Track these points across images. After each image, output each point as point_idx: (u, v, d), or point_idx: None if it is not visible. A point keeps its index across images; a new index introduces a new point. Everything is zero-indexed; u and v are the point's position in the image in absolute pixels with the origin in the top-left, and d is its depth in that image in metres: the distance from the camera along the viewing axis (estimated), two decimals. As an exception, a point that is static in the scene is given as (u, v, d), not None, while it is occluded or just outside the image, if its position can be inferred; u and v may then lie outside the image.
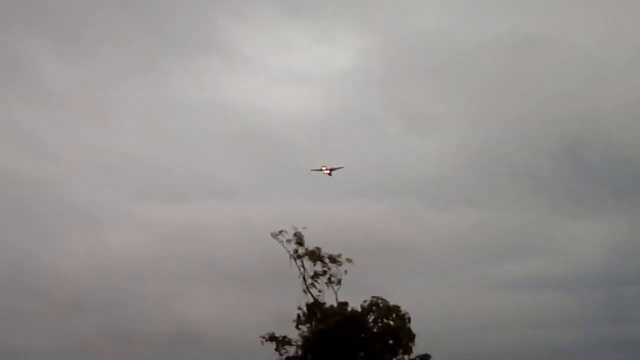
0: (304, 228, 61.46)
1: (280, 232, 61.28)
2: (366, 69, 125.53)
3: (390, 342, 59.38)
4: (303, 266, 61.26)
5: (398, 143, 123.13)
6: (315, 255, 61.18)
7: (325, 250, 61.47)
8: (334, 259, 61.12)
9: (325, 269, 61.05)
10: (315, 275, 61.10)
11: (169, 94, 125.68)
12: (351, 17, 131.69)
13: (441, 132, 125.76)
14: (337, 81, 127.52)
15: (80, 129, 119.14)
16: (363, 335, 59.50)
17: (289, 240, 61.37)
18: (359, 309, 60.42)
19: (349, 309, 60.56)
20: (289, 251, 61.29)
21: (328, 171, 79.61)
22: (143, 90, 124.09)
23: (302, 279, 61.03)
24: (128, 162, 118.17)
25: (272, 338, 59.97)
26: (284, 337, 60.11)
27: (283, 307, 62.22)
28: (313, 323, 60.19)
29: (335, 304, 60.73)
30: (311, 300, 60.86)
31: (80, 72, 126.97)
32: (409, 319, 59.97)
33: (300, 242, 61.40)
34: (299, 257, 61.36)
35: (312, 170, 79.43)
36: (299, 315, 60.45)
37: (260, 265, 79.70)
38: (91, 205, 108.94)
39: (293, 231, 61.39)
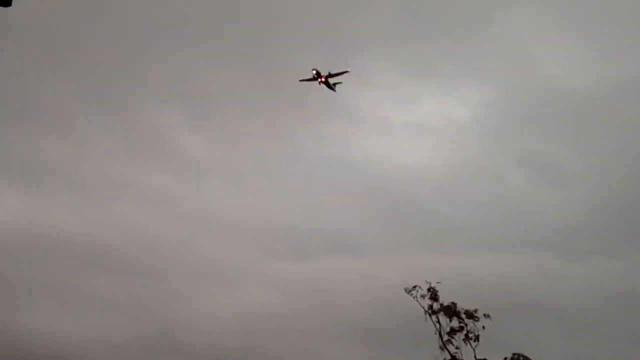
0: (438, 283, 61.28)
1: (414, 287, 60.96)
2: (487, 122, 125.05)
3: (535, 400, 57.55)
4: (439, 322, 60.61)
5: (524, 194, 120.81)
6: (451, 311, 60.45)
7: (461, 306, 60.85)
8: (470, 314, 60.12)
9: (461, 324, 60.13)
10: (452, 332, 60.22)
11: (295, 153, 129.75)
12: (469, 71, 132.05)
13: (570, 182, 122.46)
14: (458, 134, 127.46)
15: (214, 192, 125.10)
16: (506, 393, 58.13)
17: (422, 296, 61.01)
18: (500, 366, 59.21)
19: (489, 366, 59.46)
20: (423, 307, 60.95)
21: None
22: (270, 151, 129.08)
23: (438, 335, 60.32)
24: (258, 221, 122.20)
25: (410, 395, 59.61)
26: (423, 394, 59.56)
27: (420, 365, 61.54)
28: (452, 380, 59.27)
29: (474, 361, 59.71)
30: (448, 357, 59.79)
31: (212, 138, 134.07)
32: (553, 376, 58.01)
33: (434, 297, 60.91)
34: (434, 312, 60.74)
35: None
36: (437, 373, 59.57)
37: (394, 321, 79.44)
38: (226, 264, 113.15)
39: (427, 286, 61.13)
